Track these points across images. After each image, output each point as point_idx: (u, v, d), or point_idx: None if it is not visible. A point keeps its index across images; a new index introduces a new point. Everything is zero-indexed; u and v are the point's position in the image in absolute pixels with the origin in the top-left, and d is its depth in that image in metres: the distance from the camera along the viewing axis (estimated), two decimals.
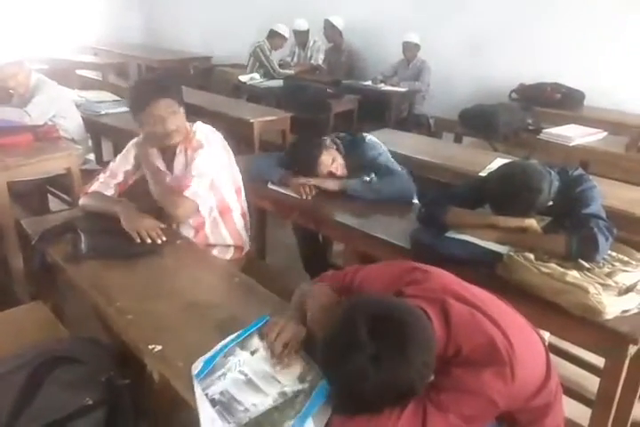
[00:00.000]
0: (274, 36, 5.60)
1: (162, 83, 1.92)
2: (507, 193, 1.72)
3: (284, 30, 5.62)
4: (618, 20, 4.11)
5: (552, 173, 1.77)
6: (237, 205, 2.13)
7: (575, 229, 1.66)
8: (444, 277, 1.21)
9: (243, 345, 1.26)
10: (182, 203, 1.86)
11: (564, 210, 1.76)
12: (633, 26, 4.06)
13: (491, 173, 1.90)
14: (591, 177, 1.89)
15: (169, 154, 2.01)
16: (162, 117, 1.84)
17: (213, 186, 1.99)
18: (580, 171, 1.87)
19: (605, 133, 3.40)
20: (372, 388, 0.96)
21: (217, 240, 2.11)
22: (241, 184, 2.16)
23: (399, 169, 2.32)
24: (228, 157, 2.07)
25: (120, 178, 2.03)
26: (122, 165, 2.04)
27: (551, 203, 1.74)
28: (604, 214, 1.71)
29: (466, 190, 1.98)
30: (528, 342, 1.14)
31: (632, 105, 4.04)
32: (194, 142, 1.96)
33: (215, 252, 2.13)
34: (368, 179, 2.33)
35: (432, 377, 1.04)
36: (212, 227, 2.09)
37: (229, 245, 2.15)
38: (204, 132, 2.02)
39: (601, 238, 1.60)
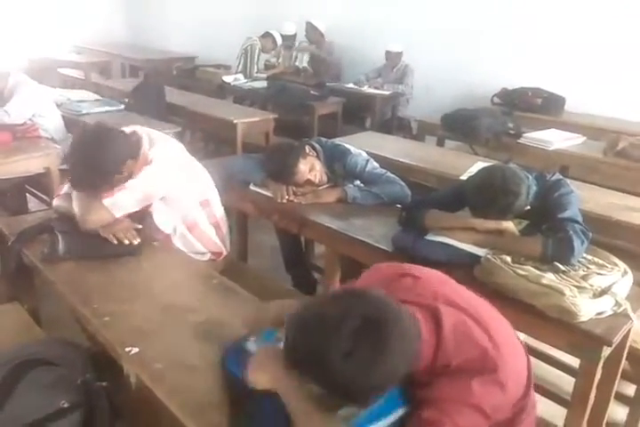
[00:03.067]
0: (267, 37, 5.62)
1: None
2: (485, 196, 1.74)
3: (278, 36, 5.66)
4: (599, 27, 4.18)
5: (530, 177, 1.79)
6: (204, 216, 2.09)
7: (551, 232, 1.69)
8: (435, 282, 1.19)
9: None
10: (97, 209, 1.80)
11: (541, 214, 1.78)
12: (614, 33, 4.13)
13: (471, 176, 1.92)
14: (570, 181, 1.92)
15: None
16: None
17: (171, 203, 1.96)
18: (557, 176, 1.89)
19: (584, 138, 3.44)
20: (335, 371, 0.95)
21: (190, 249, 2.06)
22: (209, 195, 2.11)
23: (393, 175, 2.34)
24: (186, 173, 2.01)
25: None
26: None
27: (529, 207, 1.77)
28: (580, 218, 1.73)
29: (447, 194, 2.00)
30: (514, 350, 1.13)
31: (611, 110, 4.10)
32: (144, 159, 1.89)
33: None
34: (352, 185, 2.33)
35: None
36: (181, 240, 2.05)
37: (204, 253, 2.13)
38: (159, 150, 1.92)
39: (576, 241, 1.63)
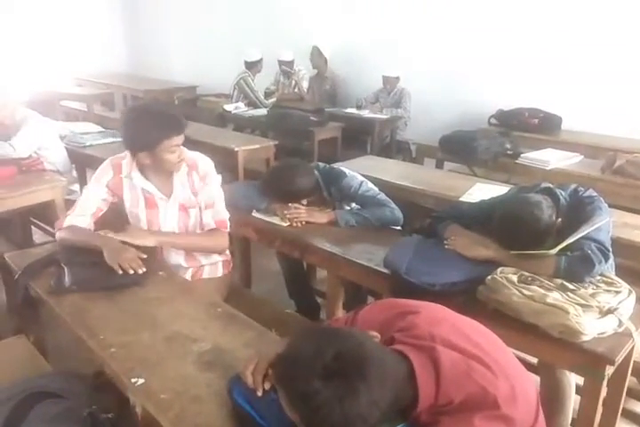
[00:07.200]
0: (251, 65, 5.73)
1: (181, 119, 1.98)
2: (502, 232, 1.82)
3: (255, 54, 5.73)
4: (592, 46, 4.26)
5: (563, 194, 1.86)
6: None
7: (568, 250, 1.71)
8: (434, 321, 1.16)
9: None
10: (222, 237, 2.09)
11: (573, 229, 1.78)
12: (607, 51, 4.20)
13: (501, 202, 1.95)
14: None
15: (162, 178, 2.08)
16: (179, 148, 1.99)
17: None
18: (590, 192, 1.92)
19: (582, 157, 3.48)
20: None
21: (208, 259, 2.20)
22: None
23: (386, 198, 2.38)
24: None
25: (94, 208, 2.03)
26: (93, 194, 2.05)
27: (560, 220, 1.79)
28: (602, 237, 1.73)
29: (472, 210, 2.08)
30: (521, 379, 1.11)
31: (607, 128, 4.14)
32: (200, 171, 2.10)
33: (206, 271, 2.21)
34: (349, 208, 2.37)
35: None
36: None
37: (217, 262, 2.23)
38: (205, 161, 2.16)
39: (592, 260, 1.65)
